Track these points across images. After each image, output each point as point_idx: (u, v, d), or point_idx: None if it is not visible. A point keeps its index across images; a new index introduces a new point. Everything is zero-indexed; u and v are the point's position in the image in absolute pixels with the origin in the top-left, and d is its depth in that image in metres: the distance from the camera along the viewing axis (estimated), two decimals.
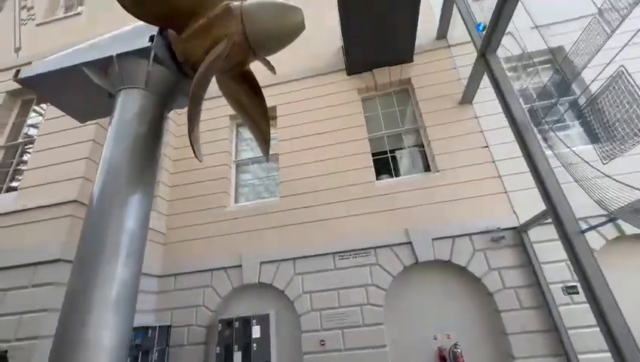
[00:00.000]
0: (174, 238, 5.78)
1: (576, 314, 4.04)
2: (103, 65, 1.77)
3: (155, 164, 1.73)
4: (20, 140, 5.41)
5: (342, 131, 6.01)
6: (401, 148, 6.01)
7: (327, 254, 5.12)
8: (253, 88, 1.98)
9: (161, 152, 1.83)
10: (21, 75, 1.97)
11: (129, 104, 1.81)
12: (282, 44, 1.69)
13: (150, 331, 4.62)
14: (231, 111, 6.69)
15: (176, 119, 6.84)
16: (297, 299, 4.93)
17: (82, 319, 1.23)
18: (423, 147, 5.85)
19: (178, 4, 1.56)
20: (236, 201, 6.19)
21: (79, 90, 1.95)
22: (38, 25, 6.35)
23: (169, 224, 5.93)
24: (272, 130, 6.60)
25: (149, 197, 1.73)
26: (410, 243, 4.91)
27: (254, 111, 2.05)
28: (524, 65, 5.71)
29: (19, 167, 5.18)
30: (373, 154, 5.93)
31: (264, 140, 2.08)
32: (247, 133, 6.84)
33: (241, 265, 5.29)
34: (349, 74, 6.53)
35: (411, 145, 6.02)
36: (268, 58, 1.84)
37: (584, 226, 3.30)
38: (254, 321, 4.74)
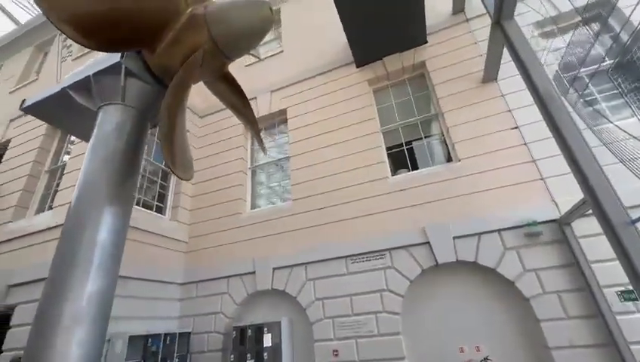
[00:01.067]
0: (195, 246, 5.96)
1: (638, 325, 3.22)
2: (85, 85, 1.85)
3: (133, 176, 1.75)
4: (59, 164, 6.04)
5: (353, 127, 5.68)
6: (418, 139, 5.48)
7: (338, 258, 4.83)
8: (233, 85, 2.11)
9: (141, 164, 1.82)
10: (24, 105, 2.15)
11: (107, 119, 1.83)
12: (252, 42, 1.64)
13: (169, 338, 4.77)
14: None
15: (196, 131, 7.10)
16: (310, 306, 4.72)
17: (50, 334, 1.27)
18: (443, 136, 5.26)
19: (134, 27, 1.52)
20: (252, 207, 6.19)
21: (73, 111, 2.06)
22: (73, 60, 7.08)
23: (191, 233, 6.14)
24: (283, 133, 6.54)
25: (125, 210, 1.70)
26: (427, 243, 4.41)
27: (239, 104, 2.19)
28: (547, 31, 4.83)
29: (57, 188, 5.78)
30: (388, 148, 5.51)
31: (253, 122, 2.29)
32: (265, 140, 6.83)
33: (254, 272, 5.25)
34: (358, 66, 6.18)
35: (429, 135, 5.46)
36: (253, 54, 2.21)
37: (634, 216, 2.60)
38: (266, 329, 4.64)
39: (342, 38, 6.19)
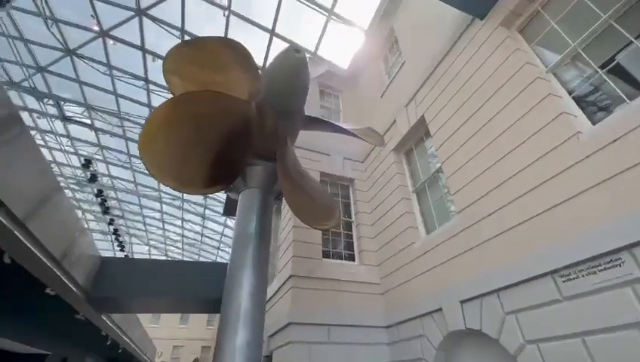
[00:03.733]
0: (387, 287, 5.85)
1: None
2: None
3: (262, 248, 1.71)
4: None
5: (513, 102, 4.11)
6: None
7: (542, 276, 3.23)
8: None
9: (271, 235, 2.10)
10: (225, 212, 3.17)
11: (241, 202, 2.47)
12: (298, 87, 1.54)
13: None
14: (392, 144, 6.55)
15: (359, 176, 7.51)
16: (521, 354, 3.28)
17: None
18: None
19: (224, 168, 1.56)
20: (427, 233, 5.49)
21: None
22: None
23: (382, 273, 6.14)
24: (427, 143, 5.67)
25: (261, 278, 1.99)
26: None
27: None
28: None
29: None
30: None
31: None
32: (420, 156, 6.23)
33: (441, 309, 4.40)
34: (482, 17, 4.68)
35: None
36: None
37: None
38: None
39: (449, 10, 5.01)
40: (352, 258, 6.52)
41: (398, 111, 6.53)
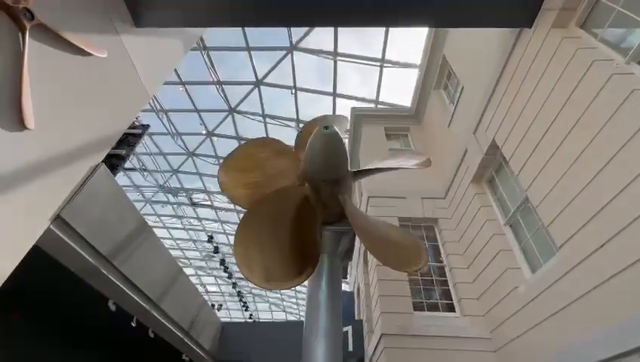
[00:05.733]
0: (500, 342, 4.95)
1: None
2: None
3: (333, 312, 1.62)
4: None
5: (590, 109, 3.50)
6: None
7: None
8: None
9: (341, 297, 1.99)
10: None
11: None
12: (335, 165, 1.59)
13: None
14: (469, 176, 6.01)
15: (447, 225, 6.93)
16: None
17: None
18: None
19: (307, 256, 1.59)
20: (533, 271, 4.59)
21: None
22: None
23: (490, 325, 5.27)
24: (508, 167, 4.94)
25: (334, 341, 1.59)
26: None
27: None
28: None
29: None
30: None
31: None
32: (503, 183, 5.50)
33: None
34: (529, 25, 4.23)
35: None
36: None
37: None
38: None
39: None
40: (451, 308, 5.84)
41: (467, 139, 6.06)
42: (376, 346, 5.83)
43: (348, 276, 7.56)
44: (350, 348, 7.64)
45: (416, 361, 4.99)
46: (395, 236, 1.73)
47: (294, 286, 1.50)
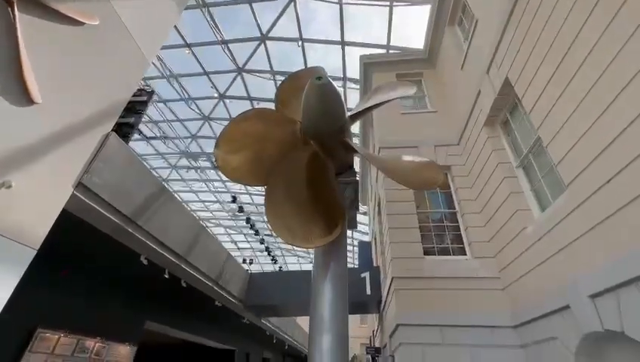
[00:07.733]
0: (508, 280, 5.08)
1: None
2: None
3: (340, 256, 1.60)
4: None
5: (606, 35, 3.16)
6: None
7: None
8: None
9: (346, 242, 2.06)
10: None
11: None
12: (331, 115, 1.52)
13: None
14: (483, 118, 5.75)
15: (460, 172, 6.79)
16: None
17: None
18: None
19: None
20: (542, 210, 4.53)
21: None
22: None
23: (499, 265, 5.38)
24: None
25: (340, 286, 1.64)
26: None
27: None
28: None
29: None
30: None
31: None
32: (518, 125, 5.23)
33: (568, 306, 3.57)
34: None
35: None
36: None
37: None
38: None
39: None
40: (462, 251, 5.97)
41: (480, 79, 5.69)
42: (389, 289, 6.19)
43: (358, 225, 7.80)
44: (368, 292, 8.15)
45: (426, 302, 5.26)
46: (409, 161, 1.74)
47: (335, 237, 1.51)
